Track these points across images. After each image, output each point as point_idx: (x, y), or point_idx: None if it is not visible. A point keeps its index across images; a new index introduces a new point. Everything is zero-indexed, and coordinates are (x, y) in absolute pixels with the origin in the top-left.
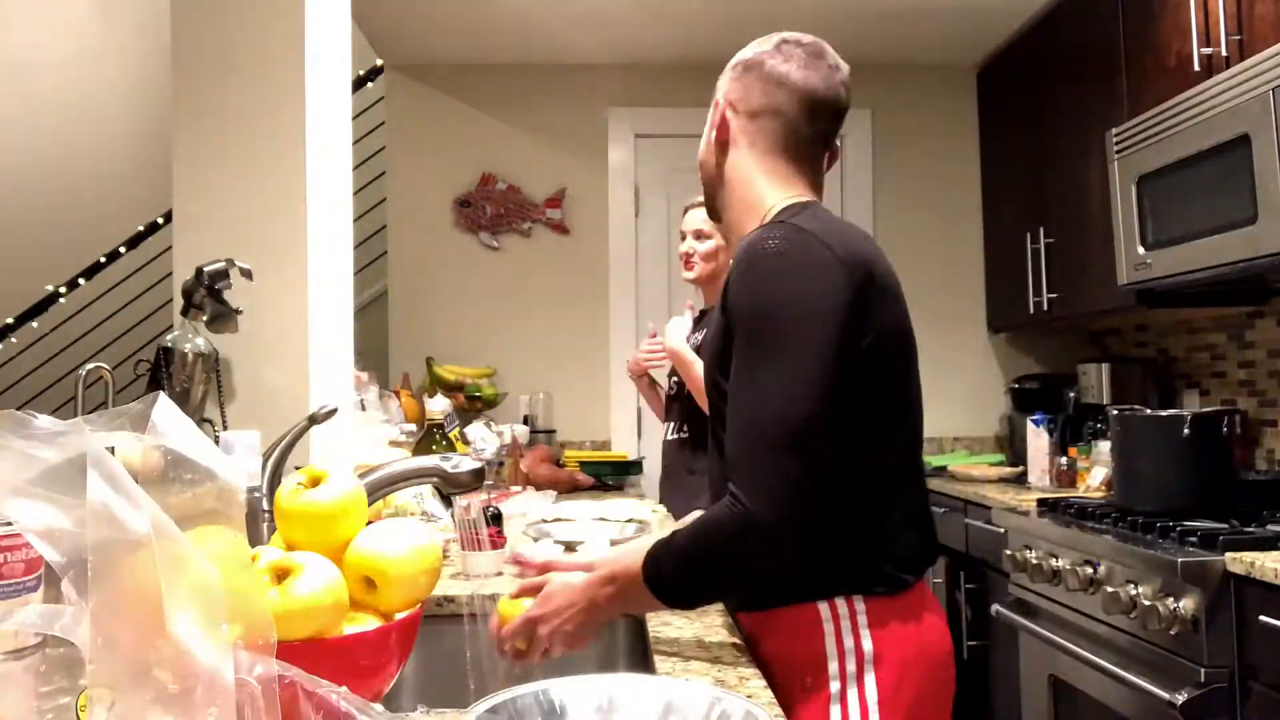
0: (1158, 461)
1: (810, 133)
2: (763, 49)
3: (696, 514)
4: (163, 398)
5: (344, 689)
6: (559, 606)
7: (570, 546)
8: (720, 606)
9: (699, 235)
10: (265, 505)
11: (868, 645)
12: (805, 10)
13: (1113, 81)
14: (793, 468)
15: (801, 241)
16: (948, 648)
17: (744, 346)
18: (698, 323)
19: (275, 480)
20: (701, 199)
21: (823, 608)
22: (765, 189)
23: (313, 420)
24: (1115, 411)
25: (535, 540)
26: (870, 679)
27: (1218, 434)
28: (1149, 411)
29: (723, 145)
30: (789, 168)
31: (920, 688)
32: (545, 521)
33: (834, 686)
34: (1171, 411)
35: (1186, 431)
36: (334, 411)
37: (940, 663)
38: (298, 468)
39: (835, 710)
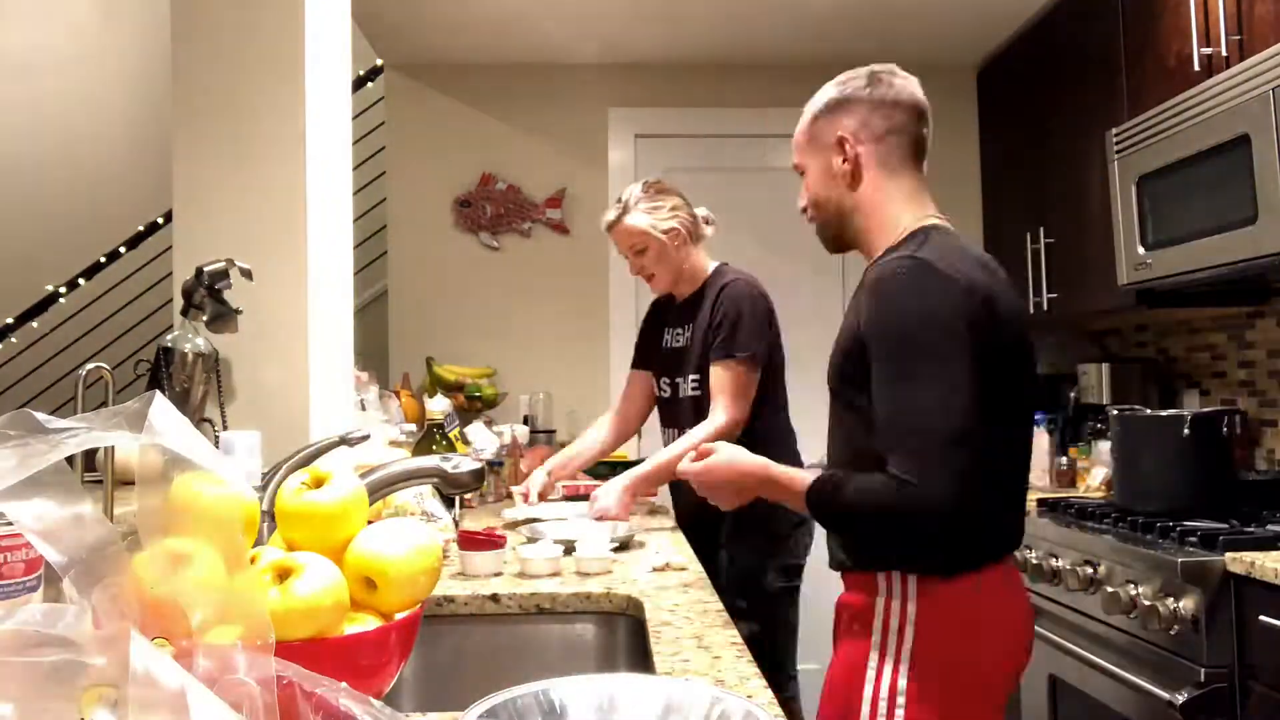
0: (1158, 462)
1: (923, 140)
2: (856, 84)
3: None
4: (159, 397)
5: (344, 685)
6: (729, 471)
7: (569, 547)
8: (720, 607)
9: (636, 251)
10: (265, 505)
11: (912, 616)
12: (805, 11)
13: (1113, 81)
14: (962, 460)
15: (925, 272)
16: (1017, 627)
17: (891, 360)
18: (681, 317)
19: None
20: (613, 217)
21: (880, 578)
22: (899, 209)
23: (345, 441)
24: (1115, 411)
25: (530, 541)
26: (910, 639)
27: (1218, 434)
28: (1149, 411)
29: (855, 176)
30: (914, 179)
31: (967, 659)
32: (540, 521)
33: (875, 637)
34: (1172, 411)
35: (1186, 432)
36: (367, 437)
37: (998, 640)
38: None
39: (873, 658)
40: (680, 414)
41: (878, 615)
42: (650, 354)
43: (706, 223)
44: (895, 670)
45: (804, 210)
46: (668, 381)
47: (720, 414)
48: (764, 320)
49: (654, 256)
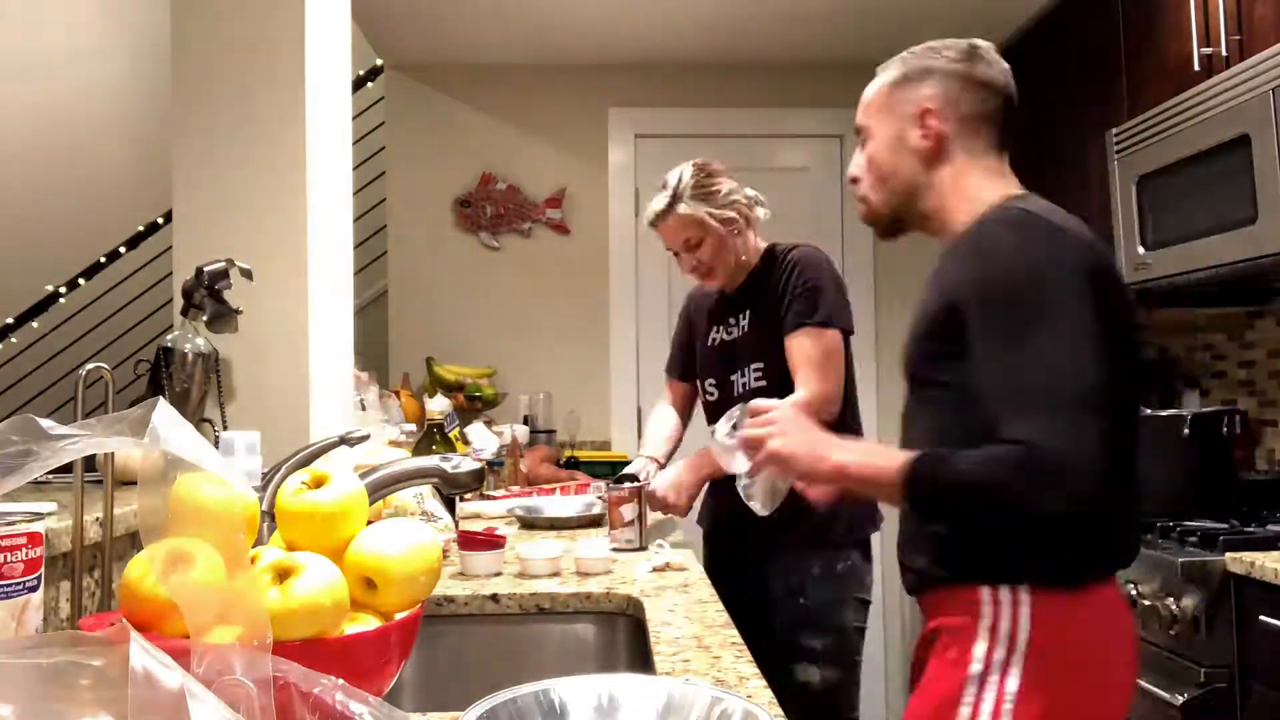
0: (1159, 462)
1: (1008, 127)
2: (950, 55)
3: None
4: (162, 403)
5: (341, 681)
6: (803, 426)
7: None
8: (720, 606)
9: (689, 246)
10: (265, 505)
11: (1023, 637)
12: (806, 11)
13: (1113, 81)
14: (1097, 421)
15: (1037, 222)
16: (1129, 659)
17: (1002, 317)
18: (731, 308)
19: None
20: (662, 206)
21: (984, 592)
22: (983, 188)
23: (345, 441)
24: None
25: (525, 526)
26: (1016, 667)
27: (1218, 434)
28: (1149, 411)
29: (934, 153)
30: (999, 163)
31: (1076, 683)
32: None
33: (974, 669)
34: (1171, 411)
35: (1186, 432)
36: (367, 437)
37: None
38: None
39: (970, 691)
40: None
41: (980, 638)
42: (690, 358)
43: (758, 204)
44: (998, 703)
45: (854, 181)
46: (714, 382)
47: (805, 387)
48: (843, 290)
49: (712, 250)
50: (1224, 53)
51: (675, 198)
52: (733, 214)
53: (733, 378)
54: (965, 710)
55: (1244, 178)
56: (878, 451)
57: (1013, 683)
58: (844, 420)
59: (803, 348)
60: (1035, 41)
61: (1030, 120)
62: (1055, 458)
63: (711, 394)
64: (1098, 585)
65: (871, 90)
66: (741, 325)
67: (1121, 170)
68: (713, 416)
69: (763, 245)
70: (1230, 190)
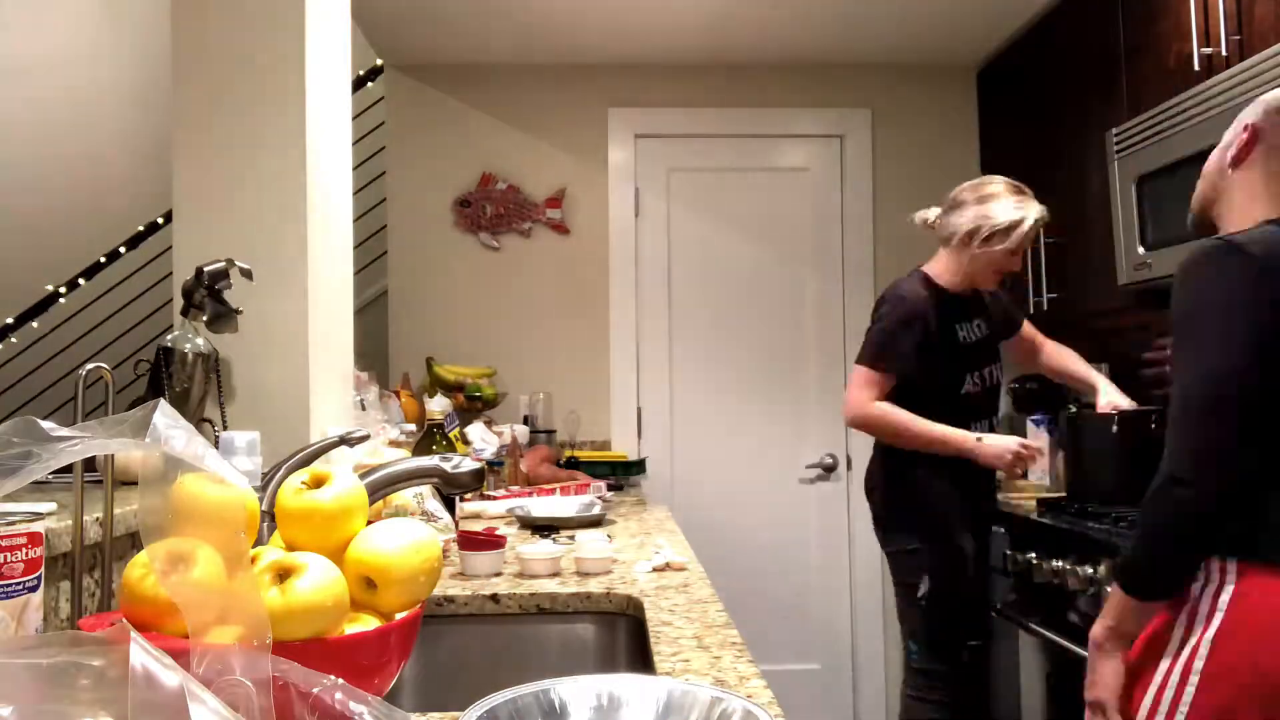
0: (1094, 457)
1: None
2: None
3: None
4: (163, 404)
5: (341, 681)
6: None
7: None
8: (720, 606)
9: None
10: (265, 505)
11: (1224, 602)
12: (805, 11)
13: (1113, 81)
14: (1210, 431)
15: (1225, 251)
16: None
17: (1174, 342)
18: (975, 311)
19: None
20: (1043, 214)
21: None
22: (1260, 205)
23: (345, 441)
24: (1065, 412)
25: (533, 533)
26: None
27: (1145, 430)
28: (1087, 411)
29: (1237, 163)
30: None
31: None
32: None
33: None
34: (1104, 411)
35: (1114, 429)
36: (367, 437)
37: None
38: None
39: (1165, 661)
40: (994, 403)
41: (1194, 597)
42: (936, 354)
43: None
44: (1191, 657)
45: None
46: (978, 375)
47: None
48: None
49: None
50: (1224, 53)
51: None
52: None
53: (991, 369)
54: (1166, 660)
55: None
56: None
57: (1208, 641)
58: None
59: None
60: (1035, 41)
61: (1030, 120)
62: (1177, 490)
63: (975, 385)
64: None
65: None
66: (982, 329)
67: (1121, 170)
68: (971, 407)
69: None
70: None
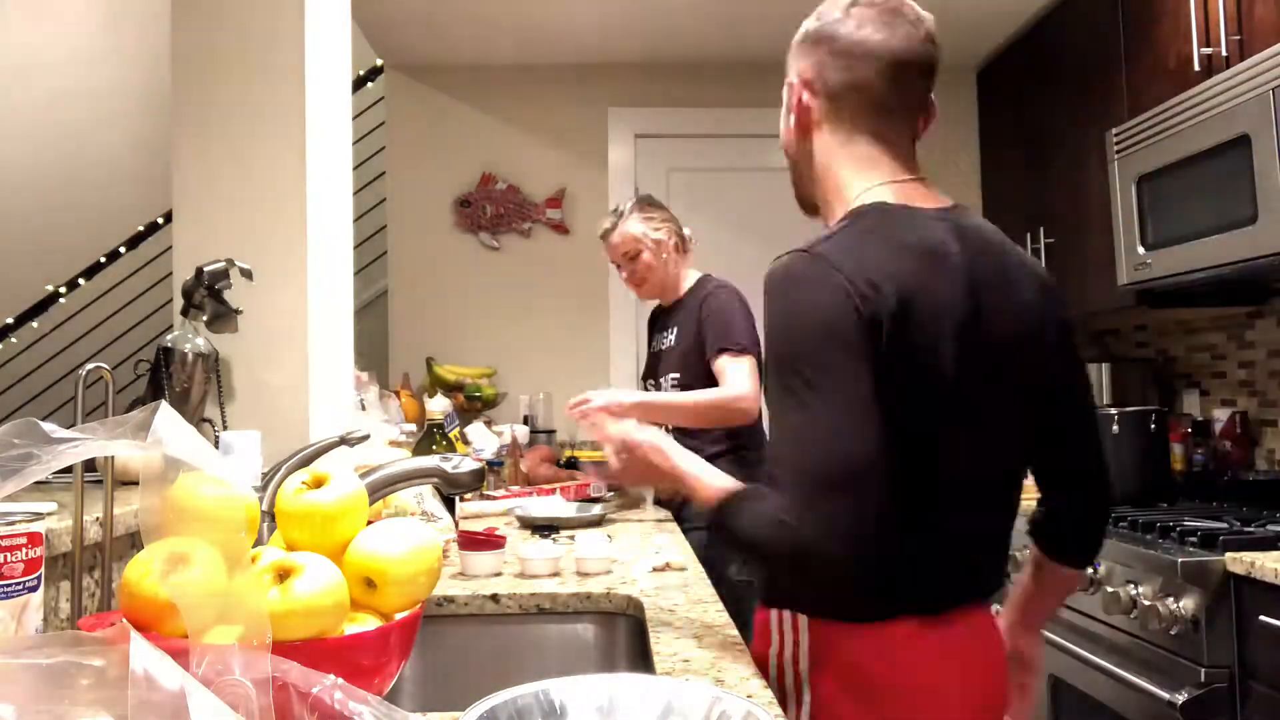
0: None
1: (897, 101)
2: (831, 17)
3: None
4: (164, 406)
5: (341, 681)
6: (647, 457)
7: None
8: (720, 606)
9: (628, 256)
10: (265, 505)
11: (804, 667)
12: (805, 11)
13: (1113, 81)
14: (840, 504)
15: (817, 267)
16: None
17: (775, 376)
18: (660, 323)
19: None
20: (608, 225)
21: (774, 616)
22: (849, 177)
23: (345, 441)
24: None
25: (533, 533)
26: (806, 695)
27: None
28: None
29: (804, 130)
30: (874, 148)
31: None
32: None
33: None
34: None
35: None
36: (367, 437)
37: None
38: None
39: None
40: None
41: (772, 666)
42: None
43: (688, 240)
44: None
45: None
46: (652, 383)
47: (731, 388)
48: (751, 320)
49: (645, 264)
50: (1224, 53)
51: (620, 218)
52: (663, 236)
53: (660, 380)
54: None
55: (1244, 178)
56: (710, 471)
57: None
58: (753, 432)
59: (723, 368)
60: (1036, 41)
61: (1030, 120)
62: (801, 540)
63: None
64: (892, 622)
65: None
66: (670, 339)
67: (1121, 170)
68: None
69: (696, 275)
70: (1230, 190)
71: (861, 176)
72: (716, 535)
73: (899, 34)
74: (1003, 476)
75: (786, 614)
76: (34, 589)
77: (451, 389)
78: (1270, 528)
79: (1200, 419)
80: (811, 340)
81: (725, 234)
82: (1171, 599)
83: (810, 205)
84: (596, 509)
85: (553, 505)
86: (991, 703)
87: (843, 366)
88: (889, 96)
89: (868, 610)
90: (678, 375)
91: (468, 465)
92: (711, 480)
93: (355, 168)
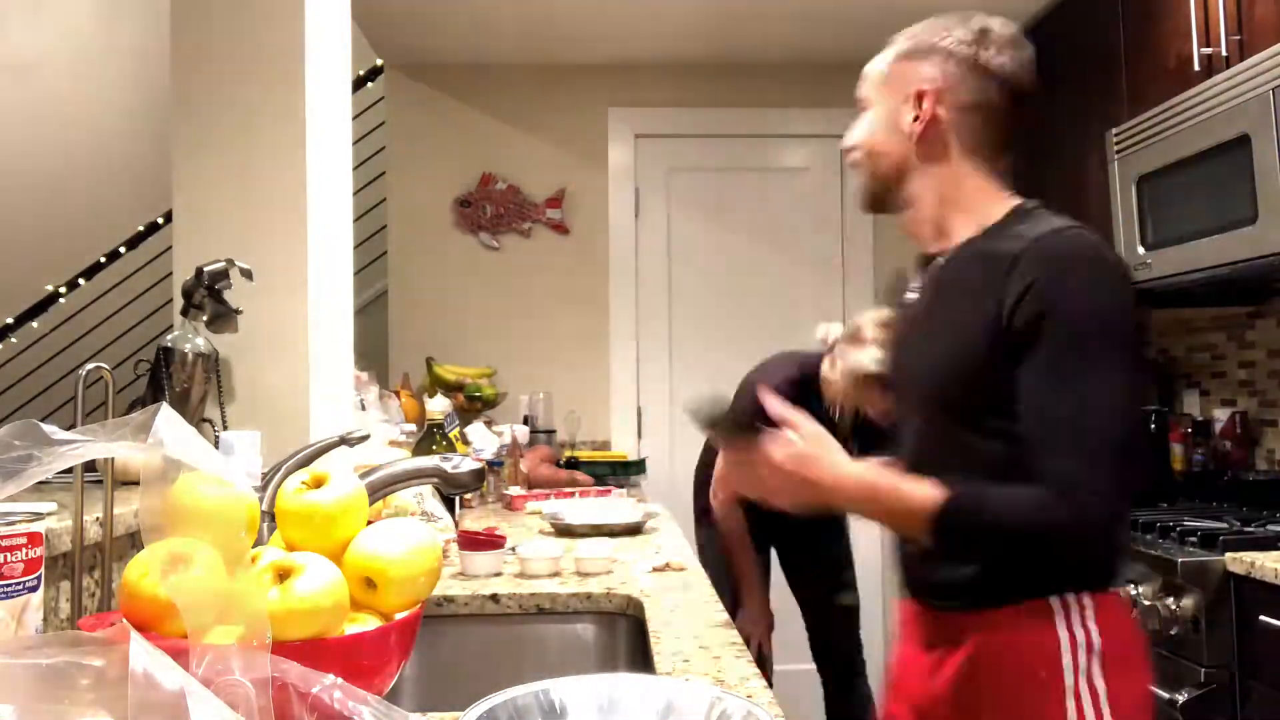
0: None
1: (1014, 125)
2: (963, 37)
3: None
4: (165, 408)
5: (340, 681)
6: (807, 476)
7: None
8: (720, 606)
9: None
10: (265, 505)
11: (1096, 639)
12: (806, 11)
13: (1113, 81)
14: (1125, 472)
15: (1105, 250)
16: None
17: (1075, 350)
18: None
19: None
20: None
21: (1054, 602)
22: (978, 187)
23: (345, 441)
24: None
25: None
26: (1098, 671)
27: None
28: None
29: (926, 138)
30: (1000, 163)
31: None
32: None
33: (1068, 680)
34: None
35: None
36: (367, 437)
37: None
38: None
39: (1070, 703)
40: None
41: (1064, 648)
42: None
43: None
44: (1097, 705)
45: (851, 150)
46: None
47: None
48: None
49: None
50: (1224, 53)
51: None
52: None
53: None
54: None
55: (1244, 178)
56: (905, 479)
57: (1101, 684)
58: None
59: None
60: (1035, 41)
61: (1030, 120)
62: (1084, 504)
63: None
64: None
65: (875, 60)
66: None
67: (1121, 170)
68: None
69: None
70: (1230, 190)
71: (994, 192)
72: (947, 544)
73: (1025, 68)
74: None
75: (1070, 597)
76: (34, 589)
77: (451, 389)
78: (1270, 528)
79: (1200, 419)
80: (1122, 314)
81: (725, 234)
82: (1171, 599)
83: (882, 204)
84: (639, 515)
85: (592, 510)
86: None
87: (1134, 343)
88: (1010, 121)
89: (1113, 577)
90: None
91: (468, 465)
92: (912, 490)
93: (355, 168)
